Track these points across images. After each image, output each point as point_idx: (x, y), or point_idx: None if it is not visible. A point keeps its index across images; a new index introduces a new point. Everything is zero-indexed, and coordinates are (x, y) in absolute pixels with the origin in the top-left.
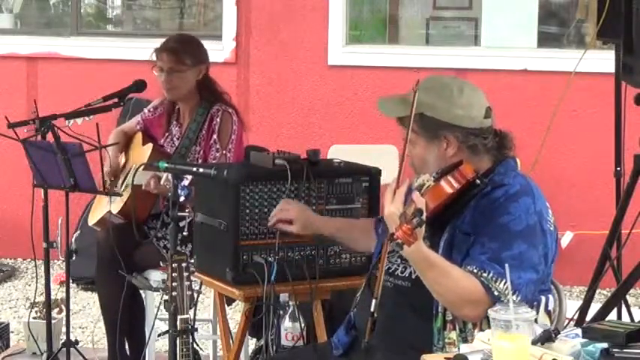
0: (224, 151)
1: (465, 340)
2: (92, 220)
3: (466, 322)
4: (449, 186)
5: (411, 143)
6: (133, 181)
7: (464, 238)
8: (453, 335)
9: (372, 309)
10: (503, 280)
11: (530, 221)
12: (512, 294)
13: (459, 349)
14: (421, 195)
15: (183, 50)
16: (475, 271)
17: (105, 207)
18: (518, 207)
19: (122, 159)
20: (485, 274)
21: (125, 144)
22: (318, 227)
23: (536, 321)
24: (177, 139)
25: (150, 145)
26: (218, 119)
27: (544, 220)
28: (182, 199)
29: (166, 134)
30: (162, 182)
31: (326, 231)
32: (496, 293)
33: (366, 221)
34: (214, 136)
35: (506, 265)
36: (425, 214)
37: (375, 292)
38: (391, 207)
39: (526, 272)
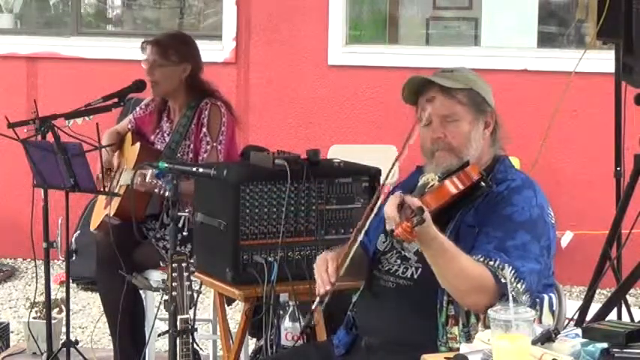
0: (214, 144)
1: (468, 335)
2: (93, 226)
3: (469, 317)
4: (453, 186)
5: (455, 121)
6: (132, 181)
7: (469, 230)
8: (455, 330)
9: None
10: (510, 268)
11: (533, 213)
12: (517, 282)
13: (460, 343)
14: (425, 194)
15: (169, 45)
16: (482, 259)
17: (103, 211)
18: (521, 199)
19: (116, 159)
20: (491, 263)
21: (119, 144)
22: None
23: (540, 320)
24: (168, 134)
25: (137, 145)
26: (206, 112)
27: (545, 213)
28: (167, 193)
29: (157, 130)
30: (147, 179)
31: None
32: (503, 281)
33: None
34: (204, 129)
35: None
36: (426, 212)
37: (345, 256)
38: (393, 200)
39: (529, 262)
